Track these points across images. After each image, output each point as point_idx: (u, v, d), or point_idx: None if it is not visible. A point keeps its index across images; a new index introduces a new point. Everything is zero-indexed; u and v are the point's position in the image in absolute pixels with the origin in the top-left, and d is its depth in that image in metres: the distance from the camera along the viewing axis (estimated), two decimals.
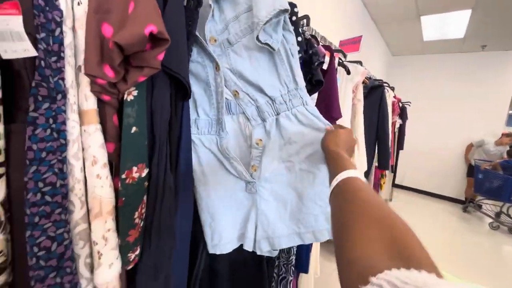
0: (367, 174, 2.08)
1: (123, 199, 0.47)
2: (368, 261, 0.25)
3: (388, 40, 3.90)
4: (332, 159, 0.50)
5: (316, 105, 1.08)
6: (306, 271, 1.05)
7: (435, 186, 4.32)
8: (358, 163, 1.71)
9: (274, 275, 1.05)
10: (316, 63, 0.87)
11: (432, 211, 3.74)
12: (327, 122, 0.66)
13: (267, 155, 0.67)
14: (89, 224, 0.45)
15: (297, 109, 0.66)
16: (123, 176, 0.46)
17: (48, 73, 0.37)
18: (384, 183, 2.72)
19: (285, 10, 0.55)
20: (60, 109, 0.39)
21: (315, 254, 1.46)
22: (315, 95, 1.04)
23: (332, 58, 1.09)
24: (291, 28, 0.64)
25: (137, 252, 0.50)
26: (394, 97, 2.57)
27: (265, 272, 0.86)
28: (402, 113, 3.06)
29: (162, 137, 0.49)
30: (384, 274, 0.21)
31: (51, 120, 0.38)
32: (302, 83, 0.67)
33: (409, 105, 3.24)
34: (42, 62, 0.37)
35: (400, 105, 2.89)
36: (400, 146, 3.31)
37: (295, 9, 0.74)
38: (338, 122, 1.18)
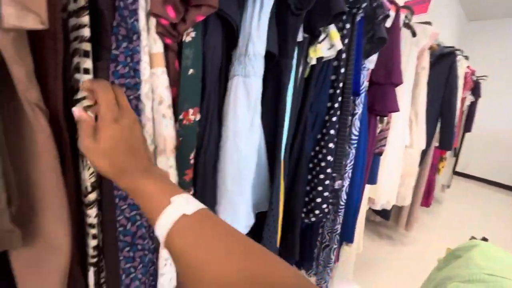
0: (424, 154, 1.90)
1: (181, 139, 0.51)
2: None
3: (464, 1, 3.32)
4: (130, 194, 0.30)
5: (375, 69, 1.00)
6: (351, 240, 1.04)
7: (508, 177, 3.76)
8: (415, 140, 1.56)
9: (317, 242, 1.07)
10: (381, 17, 0.79)
11: (500, 205, 3.31)
12: (255, 106, 0.57)
13: None
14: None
15: (234, 79, 0.57)
16: (181, 117, 0.50)
17: (126, 14, 0.41)
18: (443, 167, 2.46)
19: None
20: (136, 49, 0.43)
21: (359, 229, 1.44)
22: (374, 58, 0.96)
23: (397, 14, 0.97)
24: None
25: (191, 192, 0.55)
26: (468, 68, 2.22)
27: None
28: (475, 89, 2.66)
29: (211, 83, 0.51)
30: None
31: (128, 59, 0.42)
32: (255, 51, 0.54)
33: (485, 80, 2.78)
34: (121, 3, 0.40)
35: (474, 78, 2.50)
36: (467, 127, 2.92)
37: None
38: (398, 89, 1.07)
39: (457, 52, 1.88)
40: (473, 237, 0.65)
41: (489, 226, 2.68)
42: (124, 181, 0.30)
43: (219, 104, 0.56)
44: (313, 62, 0.71)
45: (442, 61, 1.82)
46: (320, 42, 0.69)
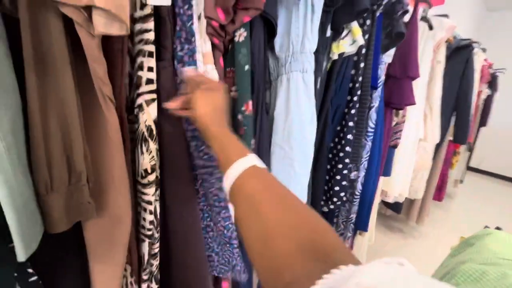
0: (438, 148, 1.92)
1: (245, 128, 0.57)
2: (295, 276, 0.23)
3: None
4: (212, 138, 0.40)
5: (392, 63, 1.04)
6: (365, 229, 1.10)
7: None
8: (430, 134, 1.59)
9: None
10: (400, 12, 0.82)
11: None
12: (312, 98, 0.65)
13: None
14: None
15: (292, 74, 0.62)
16: (243, 108, 0.56)
17: (185, 19, 0.47)
18: (456, 161, 2.47)
19: None
20: (194, 50, 0.49)
21: (372, 221, 1.48)
22: (391, 52, 0.99)
23: (416, 9, 1.00)
24: None
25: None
26: (485, 60, 2.20)
27: None
28: (493, 82, 2.62)
29: (260, 78, 0.57)
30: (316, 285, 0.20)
31: (190, 59, 0.48)
32: (310, 48, 0.61)
33: (503, 73, 2.74)
34: (181, 10, 0.46)
35: (491, 71, 2.47)
36: (483, 122, 2.89)
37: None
38: (414, 82, 1.11)
39: (474, 45, 1.87)
40: (486, 226, 0.69)
41: (502, 222, 2.68)
42: (215, 129, 0.40)
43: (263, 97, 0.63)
44: (335, 57, 0.75)
45: (459, 54, 1.81)
46: (342, 38, 0.73)
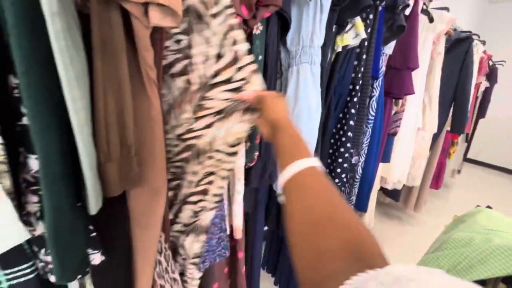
0: (436, 137, 2.01)
1: None
2: (330, 272, 0.25)
3: None
4: (287, 136, 0.43)
5: (392, 55, 1.11)
6: (364, 209, 1.19)
7: None
8: (428, 123, 1.67)
9: None
10: (401, 7, 0.89)
11: (511, 192, 3.40)
12: (318, 88, 0.72)
13: None
14: None
15: (302, 66, 0.70)
16: None
17: None
18: (454, 152, 2.56)
19: None
20: None
21: (371, 206, 1.58)
22: (392, 44, 1.06)
23: (416, 2, 1.07)
24: None
25: (257, 153, 0.70)
26: (484, 53, 2.27)
27: None
28: (491, 74, 2.69)
29: (272, 68, 0.64)
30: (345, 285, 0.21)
31: None
32: (318, 43, 0.70)
33: (502, 65, 2.81)
34: None
35: (490, 63, 2.54)
36: (481, 113, 2.97)
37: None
38: (414, 73, 1.18)
39: (474, 37, 1.94)
40: (478, 206, 0.78)
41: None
42: (292, 130, 0.44)
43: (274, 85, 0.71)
44: (339, 49, 0.83)
45: (458, 46, 1.87)
46: (346, 32, 0.80)
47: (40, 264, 0.43)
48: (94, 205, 0.40)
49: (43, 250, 0.42)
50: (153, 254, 0.55)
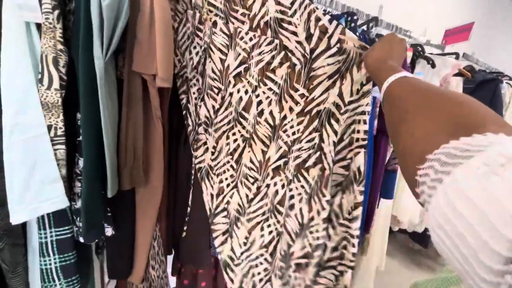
0: None
1: None
2: (425, 143, 0.24)
3: None
4: (378, 70, 0.47)
5: None
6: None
7: None
8: None
9: None
10: None
11: None
12: None
13: None
14: None
15: None
16: None
17: None
18: None
19: None
20: None
21: (382, 246, 1.60)
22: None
23: None
24: None
25: None
26: None
27: None
28: None
29: None
30: (442, 149, 0.20)
31: None
32: None
33: None
34: None
35: None
36: None
37: (355, 17, 1.00)
38: None
39: (504, 79, 1.94)
40: None
41: None
42: (373, 66, 0.49)
43: None
44: None
45: (484, 87, 1.90)
46: None
47: (75, 229, 0.70)
48: (110, 192, 0.67)
49: (79, 218, 0.69)
50: (150, 237, 0.79)
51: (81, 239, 0.69)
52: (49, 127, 0.60)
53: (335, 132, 0.63)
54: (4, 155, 0.57)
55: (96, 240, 0.71)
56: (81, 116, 0.63)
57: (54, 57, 0.59)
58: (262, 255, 0.75)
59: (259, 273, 0.76)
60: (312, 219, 0.66)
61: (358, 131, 0.62)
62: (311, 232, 0.66)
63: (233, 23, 0.70)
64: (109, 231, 0.72)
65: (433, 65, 1.47)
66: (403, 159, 0.29)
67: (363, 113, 0.62)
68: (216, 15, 0.73)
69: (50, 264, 0.67)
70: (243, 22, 0.69)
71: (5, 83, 0.57)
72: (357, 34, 1.03)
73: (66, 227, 0.69)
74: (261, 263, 0.75)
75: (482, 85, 1.91)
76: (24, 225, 0.70)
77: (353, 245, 0.65)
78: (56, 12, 0.59)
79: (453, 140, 0.20)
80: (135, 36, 0.65)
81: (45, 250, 0.67)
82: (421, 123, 0.28)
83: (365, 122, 0.61)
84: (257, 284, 0.76)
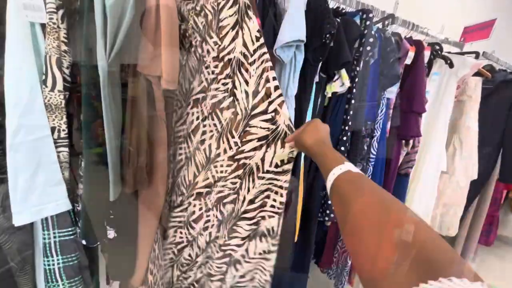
0: (481, 185, 1.89)
1: None
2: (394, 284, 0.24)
3: None
4: (320, 155, 0.50)
5: (400, 98, 1.23)
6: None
7: None
8: (459, 168, 1.63)
9: (338, 247, 1.30)
10: (392, 59, 1.04)
11: None
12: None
13: None
14: None
15: None
16: None
17: None
18: None
19: (301, 41, 0.79)
20: None
21: None
22: (393, 89, 1.18)
23: (418, 52, 1.19)
24: (302, 48, 0.84)
25: None
26: None
27: None
28: None
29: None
30: None
31: None
32: (291, 93, 0.87)
33: None
34: None
35: None
36: None
37: (370, 15, 0.96)
38: (434, 116, 1.26)
39: None
40: None
41: None
42: (317, 149, 0.52)
43: None
44: (329, 95, 1.01)
45: (505, 87, 1.82)
46: (334, 81, 0.99)
47: (78, 231, 0.70)
48: (112, 194, 0.67)
49: (81, 221, 0.69)
50: (151, 240, 0.79)
51: (84, 242, 0.69)
52: (53, 129, 0.60)
53: (246, 81, 0.70)
54: (8, 157, 0.57)
55: (98, 243, 0.72)
56: (82, 118, 0.63)
57: (57, 58, 0.59)
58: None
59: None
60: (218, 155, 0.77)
61: (270, 80, 0.67)
62: (215, 166, 0.78)
63: (203, 50, 0.76)
64: (111, 234, 0.73)
65: (451, 65, 1.41)
66: (359, 264, 0.30)
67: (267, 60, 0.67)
68: (197, 33, 0.77)
69: (54, 265, 0.68)
70: (211, 50, 0.74)
71: (9, 85, 0.57)
72: (373, 32, 0.99)
73: (69, 229, 0.69)
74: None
75: (502, 86, 1.83)
76: (32, 225, 0.71)
77: (281, 195, 0.73)
78: (61, 11, 0.59)
79: (423, 284, 0.21)
80: (139, 36, 0.64)
81: (49, 251, 0.68)
82: (369, 239, 0.30)
83: (272, 68, 0.68)
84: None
